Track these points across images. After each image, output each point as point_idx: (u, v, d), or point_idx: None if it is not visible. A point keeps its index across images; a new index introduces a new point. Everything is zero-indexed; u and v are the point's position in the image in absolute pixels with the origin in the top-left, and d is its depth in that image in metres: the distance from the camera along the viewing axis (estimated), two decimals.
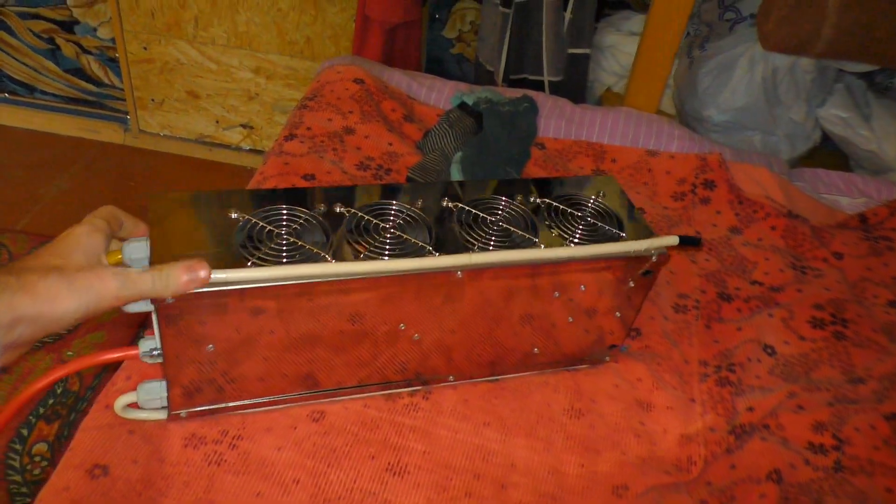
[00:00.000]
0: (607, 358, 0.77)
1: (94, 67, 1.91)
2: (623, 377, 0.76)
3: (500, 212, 0.69)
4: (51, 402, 1.25)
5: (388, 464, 0.64)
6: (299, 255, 0.58)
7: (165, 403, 0.62)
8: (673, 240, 0.69)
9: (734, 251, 0.94)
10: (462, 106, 1.06)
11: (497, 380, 0.73)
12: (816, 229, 0.98)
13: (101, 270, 0.51)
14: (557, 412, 0.71)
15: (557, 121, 1.10)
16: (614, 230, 0.69)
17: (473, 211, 0.67)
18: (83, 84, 1.94)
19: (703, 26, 1.39)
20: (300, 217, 0.62)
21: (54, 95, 1.97)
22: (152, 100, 1.88)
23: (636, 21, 1.47)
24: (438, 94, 1.14)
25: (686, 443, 0.70)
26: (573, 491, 0.63)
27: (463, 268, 0.61)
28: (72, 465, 0.59)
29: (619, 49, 1.47)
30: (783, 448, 0.68)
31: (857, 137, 1.29)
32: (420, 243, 0.62)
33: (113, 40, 1.83)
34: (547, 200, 0.71)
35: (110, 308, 0.52)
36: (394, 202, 0.66)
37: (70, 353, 1.33)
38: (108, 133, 1.98)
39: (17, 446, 1.18)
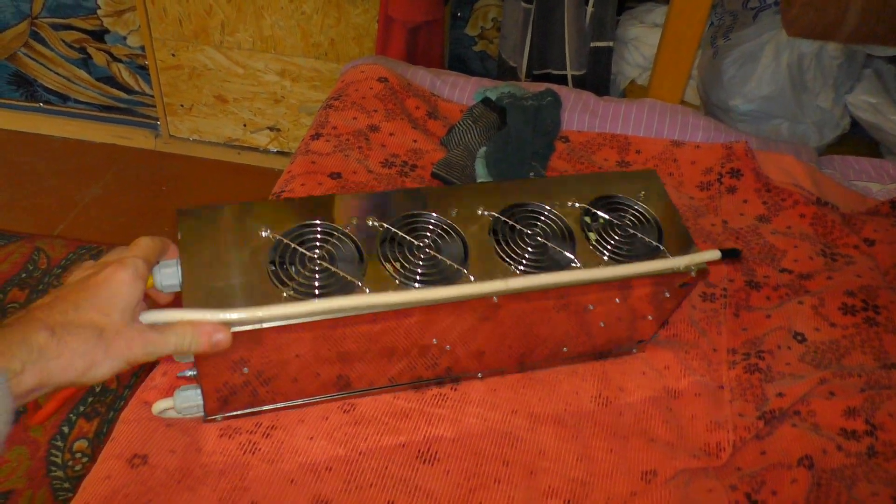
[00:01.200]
0: (634, 350, 0.77)
1: (125, 75, 1.95)
2: (651, 365, 0.76)
3: (536, 222, 0.66)
4: (90, 399, 1.28)
5: (419, 451, 0.65)
6: (333, 283, 0.57)
7: (202, 412, 0.63)
8: (714, 254, 0.68)
9: (762, 239, 0.93)
10: (485, 101, 1.06)
11: (525, 371, 0.74)
12: (846, 216, 0.97)
13: (132, 336, 0.50)
14: (585, 400, 0.71)
15: (581, 114, 1.10)
16: (654, 242, 0.67)
17: (509, 222, 0.65)
18: (114, 92, 1.98)
19: (727, 15, 1.38)
20: (332, 235, 0.60)
21: (87, 104, 2.01)
22: (181, 105, 1.91)
23: (659, 13, 1.46)
24: (462, 91, 1.15)
25: (715, 429, 0.70)
26: (602, 475, 0.64)
27: (499, 293, 0.60)
28: (112, 454, 0.61)
29: (642, 41, 1.46)
30: (815, 434, 0.68)
31: (887, 123, 1.27)
32: (455, 266, 0.60)
33: (142, 48, 1.86)
34: (585, 206, 0.69)
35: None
36: (427, 213, 0.64)
37: None
38: (139, 139, 2.02)
39: (59, 443, 1.21)
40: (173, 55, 1.82)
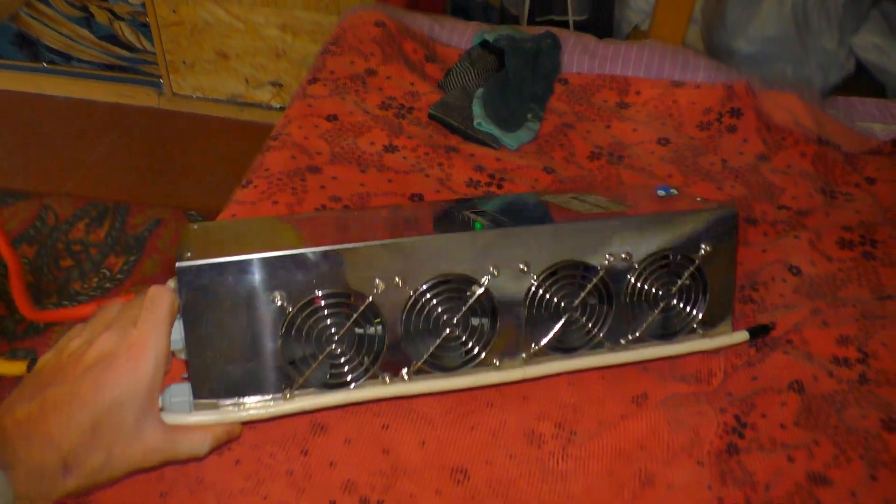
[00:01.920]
0: None
1: (127, 33, 1.94)
2: None
3: (579, 291, 0.60)
4: None
5: None
6: (350, 371, 0.55)
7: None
8: (743, 336, 0.68)
9: (762, 177, 0.93)
10: (484, 44, 1.06)
11: None
12: (848, 155, 0.97)
13: (159, 442, 0.48)
14: None
15: (581, 56, 1.09)
16: (691, 314, 0.65)
17: (547, 295, 0.59)
18: (117, 50, 1.98)
19: None
20: (351, 306, 0.54)
21: (90, 63, 2.02)
22: (184, 62, 1.91)
23: None
24: (460, 35, 1.14)
25: (706, 357, 0.70)
26: (593, 401, 0.65)
27: (516, 381, 0.60)
28: None
29: None
30: (806, 361, 0.68)
31: (893, 64, 1.25)
32: (477, 354, 0.58)
33: (143, 5, 1.86)
34: (637, 267, 0.62)
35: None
36: (462, 279, 0.56)
37: None
38: (143, 97, 2.03)
39: None
40: (174, 11, 1.81)
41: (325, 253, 0.52)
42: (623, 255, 0.60)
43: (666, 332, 0.65)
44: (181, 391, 0.53)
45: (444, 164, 0.88)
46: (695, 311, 0.65)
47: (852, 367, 0.69)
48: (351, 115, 0.93)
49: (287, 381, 0.54)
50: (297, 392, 0.55)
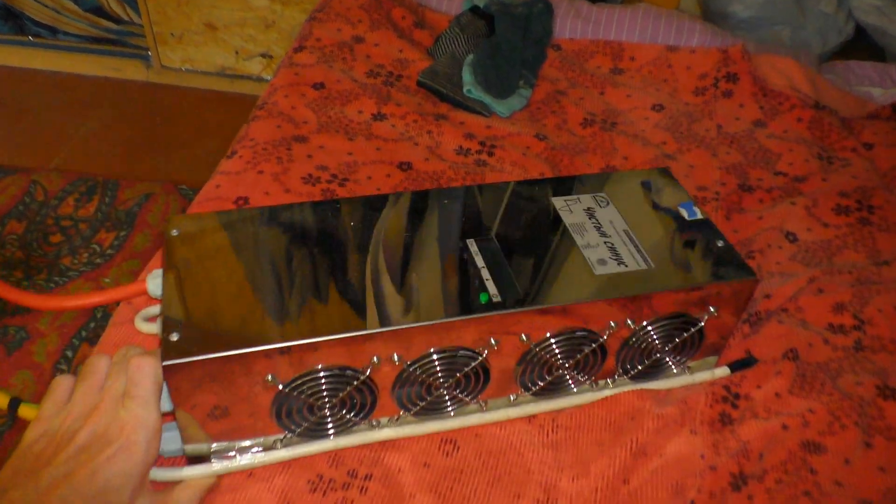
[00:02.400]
0: None
1: (113, 5, 1.90)
2: None
3: (574, 354, 0.59)
4: (92, 325, 1.29)
5: None
6: (341, 425, 0.56)
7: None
8: (724, 371, 0.65)
9: (757, 143, 0.91)
10: (474, 9, 1.03)
11: None
12: (846, 120, 0.95)
13: None
14: None
15: (574, 21, 1.07)
16: (681, 362, 0.64)
17: (543, 359, 0.58)
18: (104, 22, 1.94)
19: None
20: (346, 382, 0.53)
21: (76, 36, 1.98)
22: (171, 34, 1.88)
23: None
24: (450, 1, 1.12)
25: None
26: None
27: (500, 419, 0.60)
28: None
29: None
30: (801, 329, 0.67)
31: (892, 26, 1.23)
32: (472, 401, 0.59)
33: None
34: (639, 329, 0.60)
35: None
36: (458, 351, 0.55)
37: (107, 280, 1.37)
38: (131, 71, 2.00)
39: (63, 367, 1.23)
40: None
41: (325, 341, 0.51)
42: (629, 323, 0.59)
43: (651, 373, 0.64)
44: (173, 440, 0.52)
45: (434, 132, 0.87)
46: (685, 359, 0.64)
47: (848, 334, 0.68)
48: (338, 84, 0.91)
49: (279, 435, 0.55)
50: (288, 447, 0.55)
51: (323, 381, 0.52)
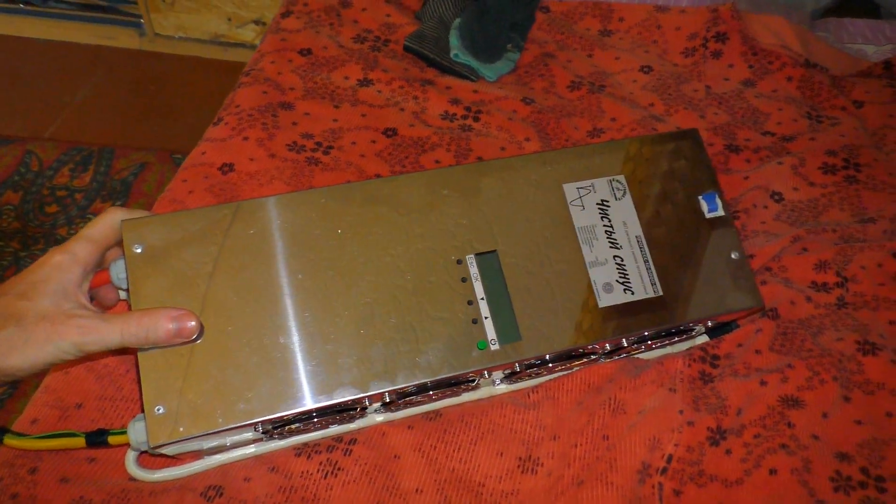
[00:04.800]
0: None
1: None
2: None
3: (568, 362, 0.59)
4: None
5: None
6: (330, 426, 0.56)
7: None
8: (703, 339, 0.65)
9: (746, 103, 0.91)
10: None
11: None
12: (836, 78, 0.94)
13: (62, 321, 0.46)
14: None
15: None
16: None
17: (532, 372, 0.59)
18: None
19: None
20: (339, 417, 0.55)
21: (68, 3, 1.96)
22: (164, 1, 1.86)
23: None
24: None
25: None
26: None
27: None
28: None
29: None
30: (784, 287, 0.68)
31: None
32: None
33: None
34: (636, 343, 0.60)
35: (76, 360, 0.49)
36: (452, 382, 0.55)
37: None
38: (124, 39, 1.98)
39: None
40: None
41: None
42: (623, 343, 0.59)
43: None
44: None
45: (420, 98, 0.86)
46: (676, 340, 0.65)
47: (830, 292, 0.68)
48: (325, 50, 0.91)
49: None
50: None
51: (316, 420, 0.53)
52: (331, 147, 0.78)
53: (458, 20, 0.94)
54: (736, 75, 0.94)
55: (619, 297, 0.57)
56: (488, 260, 0.56)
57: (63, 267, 0.48)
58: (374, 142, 0.80)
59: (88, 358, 0.55)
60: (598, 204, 0.60)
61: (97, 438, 0.54)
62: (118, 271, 0.52)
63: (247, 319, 0.51)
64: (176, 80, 1.91)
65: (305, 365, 0.51)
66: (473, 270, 0.55)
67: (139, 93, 1.87)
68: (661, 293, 0.58)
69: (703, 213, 0.62)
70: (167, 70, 1.94)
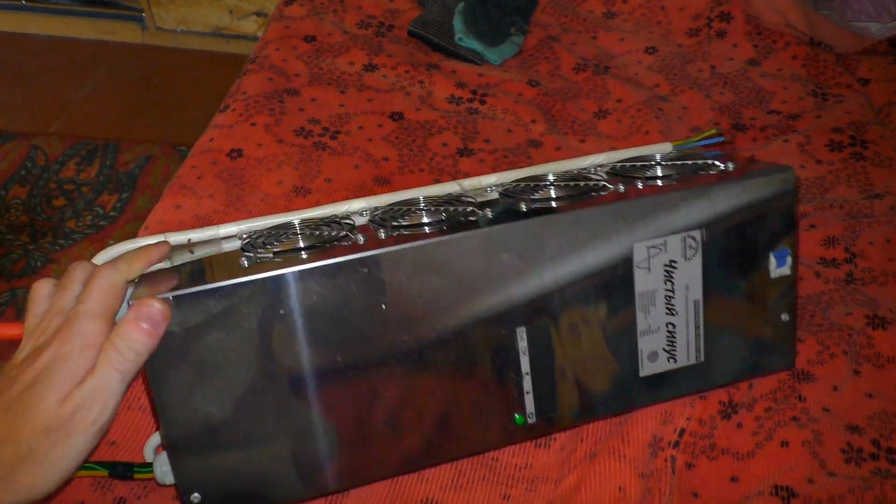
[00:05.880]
0: None
1: None
2: None
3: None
4: None
5: None
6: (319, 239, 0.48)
7: None
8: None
9: (751, 83, 0.91)
10: None
11: None
12: (841, 56, 0.94)
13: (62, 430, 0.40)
14: None
15: None
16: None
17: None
18: None
19: None
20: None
21: None
22: None
23: None
24: None
25: None
26: None
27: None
28: None
29: None
30: None
31: None
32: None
33: None
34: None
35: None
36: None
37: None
38: (126, 33, 1.98)
39: None
40: None
41: None
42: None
43: None
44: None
45: (426, 82, 0.87)
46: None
47: (839, 267, 0.68)
48: (329, 36, 0.91)
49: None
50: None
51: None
52: (338, 132, 0.79)
53: (461, 4, 0.94)
54: (740, 55, 0.94)
55: (661, 365, 0.54)
56: (539, 331, 0.51)
57: (97, 431, 0.42)
58: (380, 126, 0.80)
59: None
60: (665, 265, 0.53)
61: (123, 473, 0.52)
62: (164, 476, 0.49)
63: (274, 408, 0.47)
64: (178, 73, 1.91)
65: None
66: (523, 344, 0.51)
67: (142, 86, 1.88)
68: (703, 359, 0.55)
69: (769, 270, 0.56)
70: (170, 63, 1.94)
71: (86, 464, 0.47)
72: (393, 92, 0.85)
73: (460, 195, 0.54)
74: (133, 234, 0.71)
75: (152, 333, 0.41)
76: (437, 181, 0.76)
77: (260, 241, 0.49)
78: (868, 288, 0.67)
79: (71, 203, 1.49)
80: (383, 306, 0.47)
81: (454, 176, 0.77)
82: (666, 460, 0.55)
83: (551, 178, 0.56)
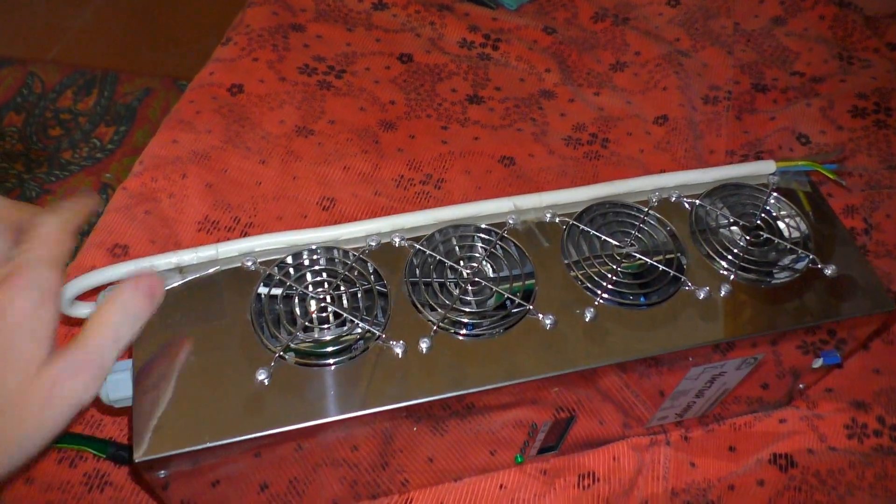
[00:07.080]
0: None
1: None
2: (648, 170, 0.73)
3: (629, 230, 0.48)
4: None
5: None
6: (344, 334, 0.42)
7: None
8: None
9: (776, 41, 0.87)
10: None
11: None
12: (870, 19, 0.90)
13: (39, 399, 0.32)
14: None
15: None
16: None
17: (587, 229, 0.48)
18: None
19: None
20: (340, 264, 0.44)
21: None
22: None
23: None
24: None
25: None
26: None
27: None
28: (94, 244, 0.61)
29: None
30: None
31: None
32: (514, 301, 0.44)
33: None
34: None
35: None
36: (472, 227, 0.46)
37: (108, 175, 1.35)
38: None
39: None
40: None
41: None
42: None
43: None
44: (123, 384, 0.41)
45: (437, 24, 0.83)
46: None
47: (856, 238, 0.66)
48: None
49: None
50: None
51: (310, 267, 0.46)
52: (343, 71, 0.75)
53: None
54: (766, 12, 0.90)
55: None
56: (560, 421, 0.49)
57: (31, 317, 0.33)
58: (388, 67, 0.77)
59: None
60: (709, 378, 0.49)
61: (122, 458, 0.50)
62: (108, 391, 0.41)
63: None
64: (181, 3, 1.85)
65: None
66: (542, 435, 0.49)
67: (143, 16, 1.82)
68: None
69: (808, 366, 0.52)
70: None
71: (87, 438, 0.45)
72: (402, 32, 0.81)
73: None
74: (129, 169, 0.68)
75: (151, 303, 0.37)
76: (444, 128, 0.73)
77: (274, 314, 0.42)
78: (881, 261, 0.65)
79: (67, 133, 1.46)
80: (415, 428, 0.42)
81: (462, 124, 0.74)
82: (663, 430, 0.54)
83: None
